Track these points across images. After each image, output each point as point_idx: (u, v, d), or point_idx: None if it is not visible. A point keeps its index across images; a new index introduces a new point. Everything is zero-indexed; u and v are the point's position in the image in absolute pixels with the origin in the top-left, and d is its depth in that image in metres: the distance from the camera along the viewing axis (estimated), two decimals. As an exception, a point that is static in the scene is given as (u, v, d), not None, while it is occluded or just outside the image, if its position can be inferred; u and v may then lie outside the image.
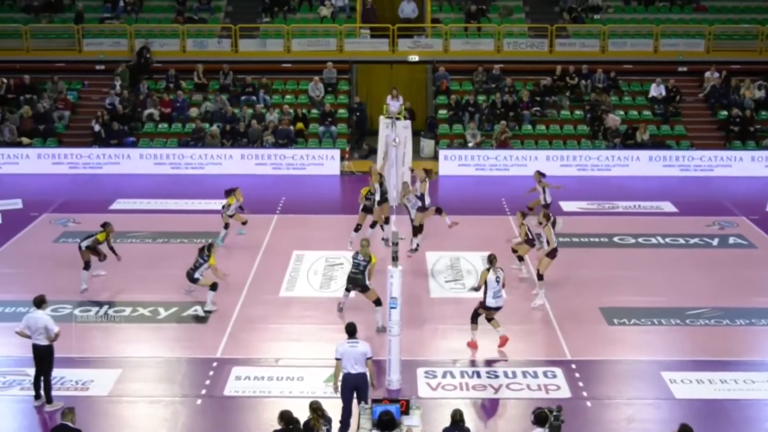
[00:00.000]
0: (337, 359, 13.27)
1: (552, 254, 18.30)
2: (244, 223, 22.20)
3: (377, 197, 20.81)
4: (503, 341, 16.40)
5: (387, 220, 21.22)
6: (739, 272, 20.38)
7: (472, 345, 16.50)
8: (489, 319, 16.40)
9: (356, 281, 17.18)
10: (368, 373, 13.26)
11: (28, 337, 14.11)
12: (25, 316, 14.29)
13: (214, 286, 18.02)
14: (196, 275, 18.01)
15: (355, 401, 13.25)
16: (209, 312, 17.89)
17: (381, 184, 20.79)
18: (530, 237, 19.34)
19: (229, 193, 21.74)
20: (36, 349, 14.07)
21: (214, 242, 18.80)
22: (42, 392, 14.28)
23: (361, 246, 17.26)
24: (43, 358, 14.08)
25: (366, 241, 17.47)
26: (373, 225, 21.68)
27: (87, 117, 31.09)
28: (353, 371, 13.16)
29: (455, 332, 17.28)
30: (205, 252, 18.05)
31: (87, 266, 19.09)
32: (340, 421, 13.13)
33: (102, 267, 19.62)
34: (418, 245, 20.83)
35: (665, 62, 32.96)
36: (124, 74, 31.99)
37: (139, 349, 16.61)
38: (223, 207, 21.81)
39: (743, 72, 32.60)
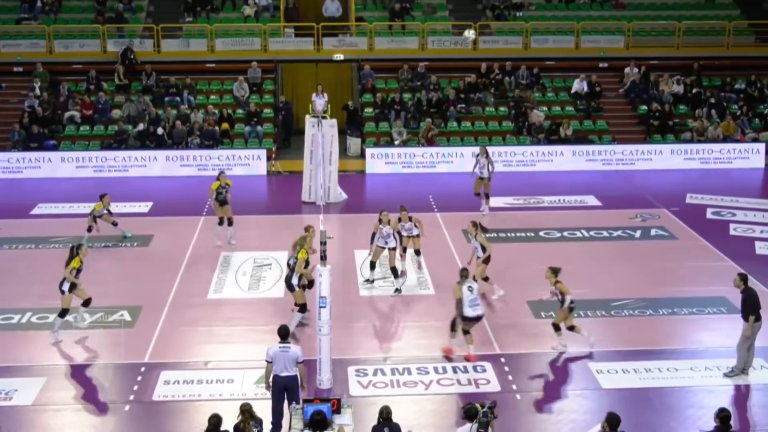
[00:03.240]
0: (268, 362, 13.19)
1: (487, 260, 18.29)
2: (114, 224, 22.02)
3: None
4: (471, 358, 15.95)
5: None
6: (661, 263, 20.84)
7: (448, 351, 16.13)
8: (465, 332, 15.98)
9: (287, 280, 17.11)
10: (299, 376, 13.21)
11: None
12: None
13: (311, 284, 16.83)
14: (294, 280, 16.77)
15: (286, 402, 13.19)
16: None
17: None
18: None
19: (101, 198, 21.86)
20: None
21: (307, 235, 17.48)
22: None
23: (293, 245, 17.11)
24: None
25: (302, 239, 17.30)
26: (223, 222, 21.68)
27: (5, 120, 30.37)
28: (283, 374, 13.10)
29: (385, 329, 17.38)
30: (297, 248, 16.92)
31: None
32: (272, 423, 13.06)
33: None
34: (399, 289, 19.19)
35: (586, 58, 33.52)
36: (43, 76, 31.32)
37: (65, 357, 16.25)
38: (91, 212, 21.85)
39: (661, 67, 33.36)
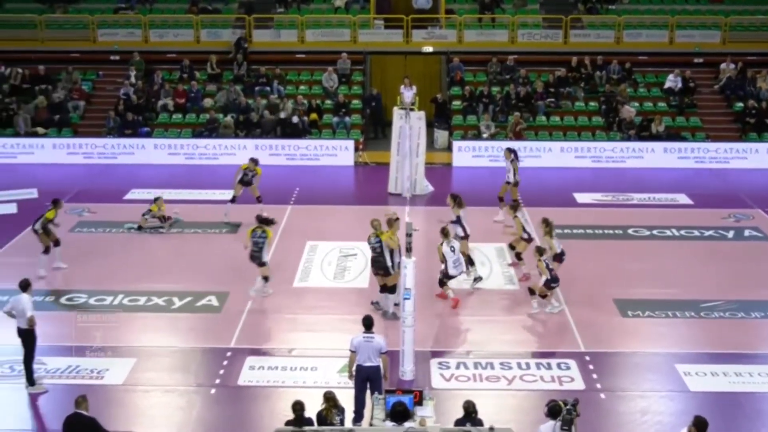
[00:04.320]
0: (352, 351, 13.28)
1: (560, 259, 18.12)
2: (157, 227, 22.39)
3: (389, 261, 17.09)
4: (455, 302, 17.76)
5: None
6: (755, 265, 20.29)
7: (443, 296, 17.83)
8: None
9: (378, 263, 17.19)
10: (382, 367, 13.26)
11: (14, 317, 14.38)
12: (13, 297, 14.59)
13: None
14: (388, 260, 17.03)
15: (368, 392, 13.25)
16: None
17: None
18: (527, 233, 19.16)
19: (155, 200, 22.28)
20: (18, 331, 14.37)
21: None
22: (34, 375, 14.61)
23: (373, 227, 17.12)
24: (24, 341, 14.33)
25: (377, 221, 17.33)
26: (261, 200, 22.74)
27: (101, 107, 31.18)
28: (366, 364, 13.17)
29: (469, 323, 17.33)
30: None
31: (47, 250, 19.36)
32: (354, 412, 13.15)
33: (63, 260, 19.70)
34: (478, 277, 19.08)
35: (681, 53, 32.77)
36: (139, 64, 32.04)
37: (154, 339, 16.69)
38: (147, 213, 22.26)
39: (759, 63, 32.38)
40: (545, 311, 17.44)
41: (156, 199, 22.41)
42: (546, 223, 18.14)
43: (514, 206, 19.59)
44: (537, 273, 17.65)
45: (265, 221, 18.48)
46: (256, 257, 17.96)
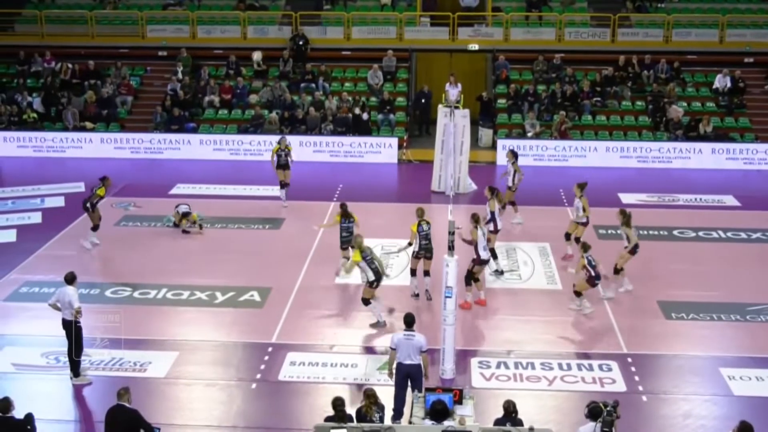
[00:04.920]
0: (392, 349, 13.29)
1: (633, 251, 18.11)
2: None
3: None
4: (482, 303, 17.75)
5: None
6: (803, 268, 19.95)
7: (467, 306, 17.40)
8: (476, 280, 17.60)
9: (429, 249, 17.90)
10: (422, 365, 13.25)
11: (59, 309, 14.57)
12: (58, 289, 14.78)
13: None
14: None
15: (408, 390, 13.25)
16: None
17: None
18: (587, 217, 19.52)
19: (185, 215, 22.19)
20: (63, 323, 14.56)
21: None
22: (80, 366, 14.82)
23: (417, 215, 17.92)
24: (69, 333, 14.52)
25: (421, 209, 18.25)
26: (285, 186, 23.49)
27: (149, 102, 31.52)
28: (407, 362, 13.17)
29: (510, 322, 17.26)
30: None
31: (96, 227, 20.62)
32: (393, 409, 13.15)
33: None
34: (501, 271, 19.46)
35: (731, 53, 32.27)
36: (186, 60, 32.33)
37: (197, 333, 16.84)
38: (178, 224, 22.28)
39: (812, 63, 31.85)
40: (582, 312, 17.36)
41: (182, 220, 22.14)
42: (624, 213, 18.12)
43: (582, 185, 19.55)
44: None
45: (344, 211, 18.94)
46: (349, 240, 18.60)
